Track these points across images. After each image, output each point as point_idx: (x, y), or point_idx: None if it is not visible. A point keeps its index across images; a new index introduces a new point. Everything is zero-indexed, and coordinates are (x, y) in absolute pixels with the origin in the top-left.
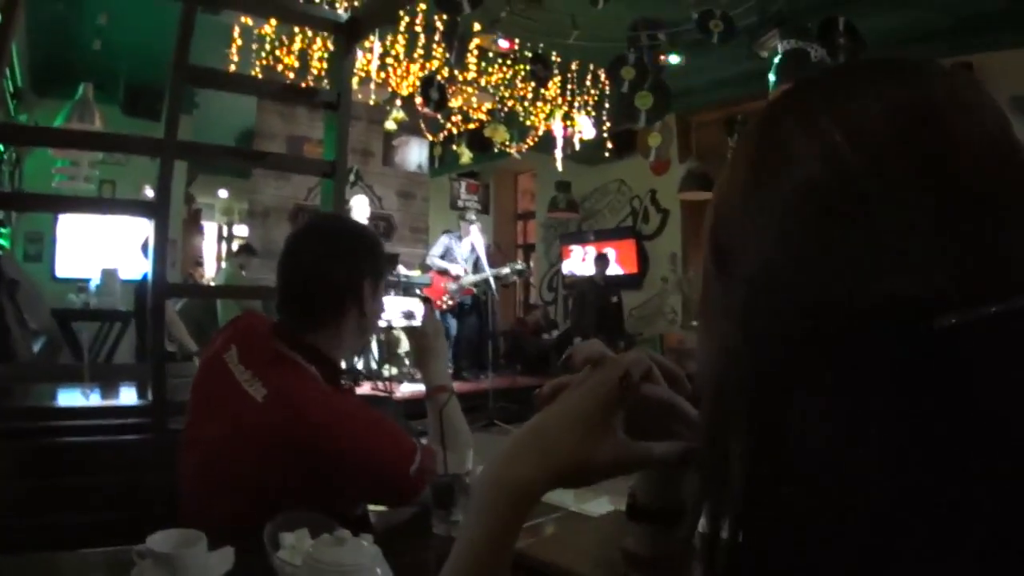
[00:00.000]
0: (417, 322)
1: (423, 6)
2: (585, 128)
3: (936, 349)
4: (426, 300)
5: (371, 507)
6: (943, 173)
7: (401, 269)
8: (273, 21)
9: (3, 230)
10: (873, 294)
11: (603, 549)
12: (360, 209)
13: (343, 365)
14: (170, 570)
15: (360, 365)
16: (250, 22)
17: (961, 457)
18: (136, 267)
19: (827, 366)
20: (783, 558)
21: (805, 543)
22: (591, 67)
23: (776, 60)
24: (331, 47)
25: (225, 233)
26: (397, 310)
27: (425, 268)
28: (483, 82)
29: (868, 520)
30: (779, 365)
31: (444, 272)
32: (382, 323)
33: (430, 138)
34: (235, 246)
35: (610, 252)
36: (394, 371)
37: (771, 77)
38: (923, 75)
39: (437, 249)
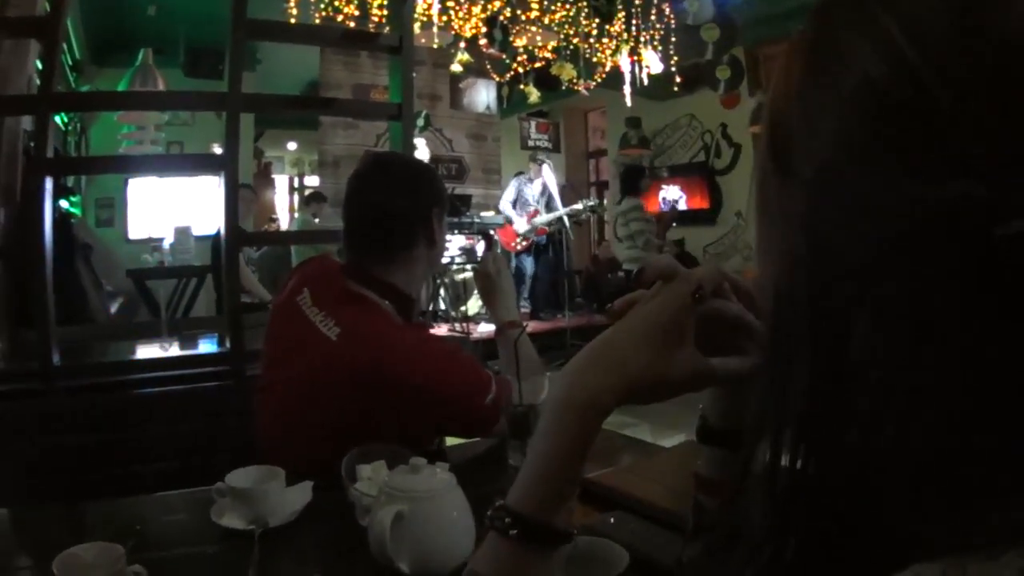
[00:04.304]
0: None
1: None
2: (652, 63)
3: (1001, 255)
4: (487, 239)
5: (449, 440)
6: (1005, 65)
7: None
8: None
9: (73, 198)
10: (937, 196)
11: (676, 477)
12: (422, 151)
13: (418, 306)
14: (249, 505)
15: (430, 308)
16: None
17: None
18: (209, 222)
19: (890, 270)
20: (845, 476)
21: (868, 458)
22: (655, 1)
23: None
24: None
25: (296, 184)
26: (458, 248)
27: (499, 209)
28: (546, 20)
29: (932, 427)
30: (842, 270)
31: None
32: (444, 259)
33: (497, 79)
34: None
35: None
36: (471, 312)
37: None
38: None
39: (508, 194)
